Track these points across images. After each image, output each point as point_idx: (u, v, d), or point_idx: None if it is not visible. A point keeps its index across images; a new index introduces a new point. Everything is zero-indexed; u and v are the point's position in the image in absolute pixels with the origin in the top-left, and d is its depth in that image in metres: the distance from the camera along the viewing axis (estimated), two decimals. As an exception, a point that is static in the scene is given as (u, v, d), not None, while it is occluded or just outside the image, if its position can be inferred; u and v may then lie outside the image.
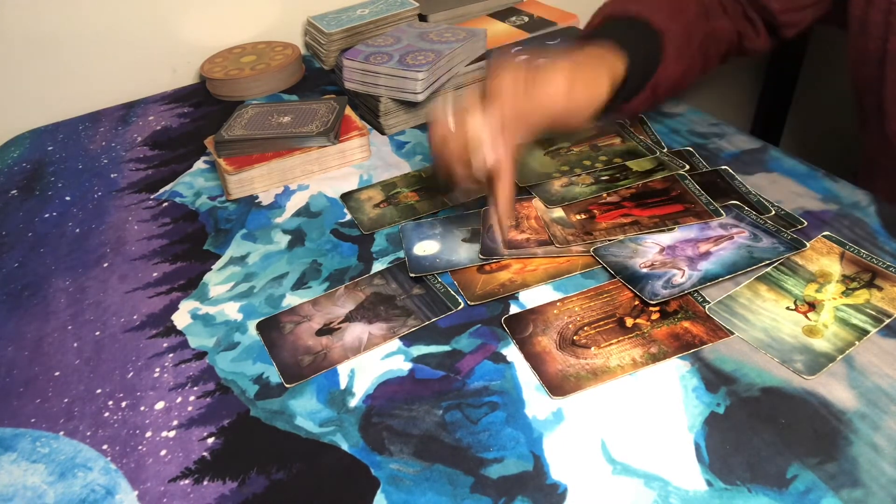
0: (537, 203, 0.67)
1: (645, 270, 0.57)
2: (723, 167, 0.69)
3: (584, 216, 0.64)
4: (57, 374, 0.56)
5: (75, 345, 0.58)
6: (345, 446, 0.47)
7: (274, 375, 0.53)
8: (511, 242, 0.61)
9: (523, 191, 0.70)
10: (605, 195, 0.66)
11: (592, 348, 0.51)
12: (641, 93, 0.68)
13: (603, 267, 0.59)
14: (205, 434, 0.49)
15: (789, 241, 0.58)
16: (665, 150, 0.73)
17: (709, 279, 0.55)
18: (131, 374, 0.55)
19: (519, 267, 0.60)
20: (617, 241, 0.60)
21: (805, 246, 0.57)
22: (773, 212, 0.63)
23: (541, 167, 0.72)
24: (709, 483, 0.42)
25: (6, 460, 0.49)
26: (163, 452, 0.48)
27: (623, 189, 0.67)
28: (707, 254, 0.58)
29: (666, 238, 0.60)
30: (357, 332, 0.56)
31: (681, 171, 0.68)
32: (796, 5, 0.74)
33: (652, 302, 0.54)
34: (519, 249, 0.61)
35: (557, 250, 0.61)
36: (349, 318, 0.57)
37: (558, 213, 0.65)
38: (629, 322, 0.53)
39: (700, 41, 0.72)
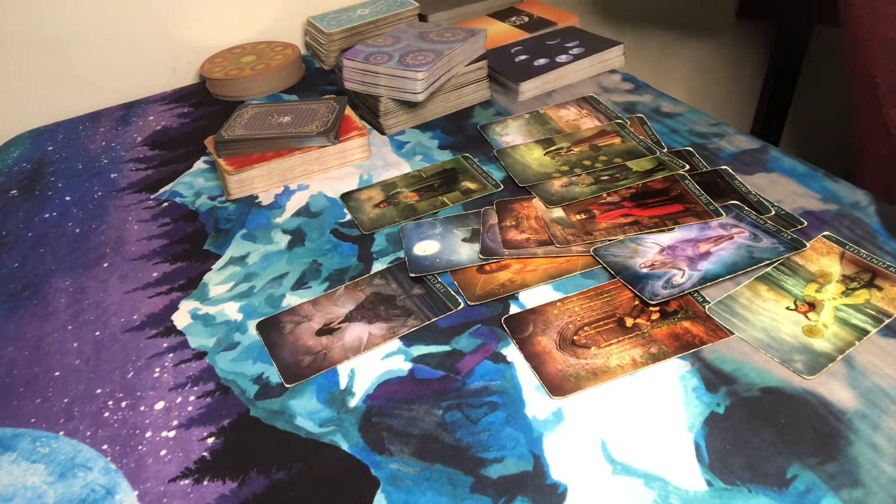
0: (537, 203, 0.67)
1: (645, 270, 0.57)
2: (723, 167, 0.69)
3: (584, 216, 0.64)
4: (57, 374, 0.56)
5: (75, 345, 0.58)
6: (345, 446, 0.47)
7: (274, 375, 0.53)
8: (511, 242, 0.61)
9: (523, 191, 0.70)
10: (604, 195, 0.66)
11: (592, 348, 0.51)
12: None
13: (603, 267, 0.59)
14: (205, 434, 0.49)
15: (789, 241, 0.58)
16: (665, 150, 0.73)
17: (709, 279, 0.55)
18: (131, 374, 0.55)
19: (519, 267, 0.60)
20: (617, 241, 0.60)
21: (805, 246, 0.57)
22: (773, 212, 0.63)
23: (541, 167, 0.72)
24: (709, 483, 0.42)
25: (6, 460, 0.49)
26: (163, 452, 0.48)
27: (623, 189, 0.67)
28: (707, 254, 0.58)
29: (666, 238, 0.60)
30: (357, 332, 0.56)
31: (681, 171, 0.68)
32: None
33: (652, 302, 0.54)
34: (519, 249, 0.61)
35: (557, 250, 0.60)
36: (349, 318, 0.57)
37: (558, 213, 0.65)
38: (629, 322, 0.53)
39: None
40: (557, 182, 0.69)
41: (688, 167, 0.69)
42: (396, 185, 0.74)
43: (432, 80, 0.81)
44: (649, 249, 0.59)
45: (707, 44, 1.54)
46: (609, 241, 0.61)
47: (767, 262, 0.56)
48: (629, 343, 0.51)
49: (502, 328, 0.55)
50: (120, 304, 0.62)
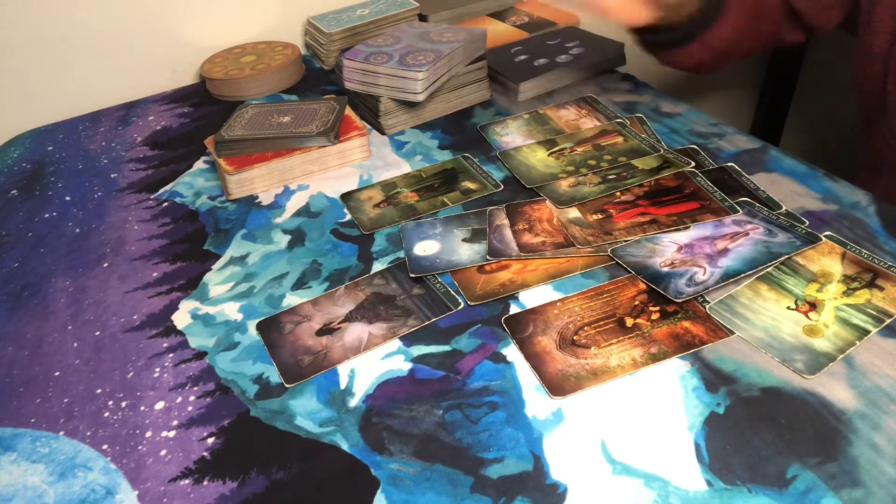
0: (550, 205, 0.66)
1: (666, 269, 0.57)
2: (729, 164, 0.69)
3: (601, 216, 0.64)
4: (57, 374, 0.56)
5: (75, 345, 0.58)
6: (345, 446, 0.47)
7: (274, 375, 0.53)
8: (527, 246, 0.61)
9: (525, 192, 0.70)
10: (618, 194, 0.66)
11: (592, 348, 0.51)
12: (692, 44, 0.74)
13: (618, 265, 0.59)
14: (205, 434, 0.49)
15: (804, 235, 0.58)
16: (665, 149, 0.73)
17: (731, 275, 0.55)
18: (131, 374, 0.55)
19: (519, 267, 0.60)
20: (633, 241, 0.60)
21: (820, 240, 0.57)
22: (784, 208, 0.63)
23: (546, 168, 0.72)
24: (709, 483, 0.42)
25: (6, 460, 0.49)
26: (163, 452, 0.48)
27: (636, 187, 0.67)
28: (725, 251, 0.58)
29: (682, 236, 0.60)
30: (357, 332, 0.56)
31: (689, 168, 0.68)
32: (821, 4, 0.77)
33: (678, 300, 0.54)
34: (534, 252, 0.61)
35: (577, 251, 0.60)
36: (349, 318, 0.57)
37: (574, 213, 0.65)
38: (629, 322, 0.53)
39: (756, 13, 0.76)
40: (565, 182, 0.69)
41: (694, 164, 0.69)
42: (396, 185, 0.74)
43: (432, 80, 0.81)
44: (667, 248, 0.59)
45: (707, 44, 1.54)
46: (627, 240, 0.60)
47: (786, 255, 0.56)
48: (629, 343, 0.51)
49: (502, 328, 0.55)
50: (120, 304, 0.62)
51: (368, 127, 0.84)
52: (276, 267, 0.65)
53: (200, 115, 0.95)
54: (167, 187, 0.80)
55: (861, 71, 0.76)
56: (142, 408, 0.52)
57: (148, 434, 0.50)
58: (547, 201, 0.67)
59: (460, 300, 0.57)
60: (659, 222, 0.62)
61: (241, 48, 1.05)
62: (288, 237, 0.68)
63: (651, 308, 0.54)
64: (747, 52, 0.81)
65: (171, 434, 0.49)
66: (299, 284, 0.62)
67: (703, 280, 0.55)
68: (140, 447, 0.49)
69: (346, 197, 0.73)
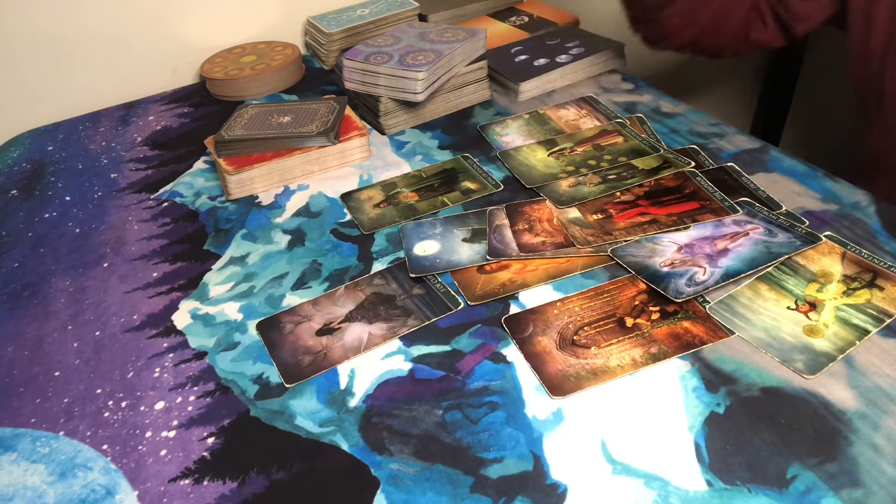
0: (550, 205, 0.66)
1: (666, 269, 0.57)
2: (729, 164, 0.69)
3: (601, 216, 0.64)
4: (57, 374, 0.56)
5: (75, 345, 0.58)
6: (345, 446, 0.47)
7: (274, 375, 0.53)
8: (527, 246, 0.61)
9: (525, 192, 0.70)
10: (618, 194, 0.66)
11: (592, 348, 0.51)
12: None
13: (618, 265, 0.59)
14: (205, 434, 0.49)
15: (804, 235, 0.58)
16: (665, 149, 0.73)
17: (731, 275, 0.55)
18: (131, 374, 0.55)
19: (519, 267, 0.60)
20: (633, 241, 0.60)
21: (820, 240, 0.57)
22: (784, 208, 0.63)
23: (546, 168, 0.72)
24: (709, 483, 0.42)
25: (6, 460, 0.49)
26: (163, 452, 0.48)
27: (636, 187, 0.67)
28: (725, 250, 0.58)
29: (682, 236, 0.60)
30: (357, 332, 0.56)
31: (689, 168, 0.68)
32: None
33: (678, 300, 0.54)
34: (534, 252, 0.61)
35: (577, 251, 0.60)
36: (349, 318, 0.57)
37: (574, 213, 0.64)
38: (629, 322, 0.53)
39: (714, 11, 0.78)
40: (565, 182, 0.69)
41: (693, 164, 0.69)
42: (396, 185, 0.74)
43: (432, 80, 0.81)
44: (667, 248, 0.59)
45: (707, 44, 1.54)
46: (627, 240, 0.60)
47: (786, 255, 0.56)
48: (629, 343, 0.51)
49: (502, 328, 0.54)
50: (120, 304, 0.62)
51: (368, 127, 0.84)
52: (276, 267, 0.65)
53: (200, 115, 0.95)
54: (167, 187, 0.80)
55: (857, 70, 0.76)
56: (142, 408, 0.52)
57: (148, 434, 0.50)
58: (547, 201, 0.67)
59: (460, 300, 0.57)
60: (659, 222, 0.62)
61: (241, 48, 1.05)
62: (288, 237, 0.68)
63: (651, 308, 0.54)
64: (719, 44, 0.82)
65: (171, 434, 0.49)
66: (299, 284, 0.62)
67: (703, 280, 0.55)
68: (140, 447, 0.49)
69: (346, 197, 0.73)
